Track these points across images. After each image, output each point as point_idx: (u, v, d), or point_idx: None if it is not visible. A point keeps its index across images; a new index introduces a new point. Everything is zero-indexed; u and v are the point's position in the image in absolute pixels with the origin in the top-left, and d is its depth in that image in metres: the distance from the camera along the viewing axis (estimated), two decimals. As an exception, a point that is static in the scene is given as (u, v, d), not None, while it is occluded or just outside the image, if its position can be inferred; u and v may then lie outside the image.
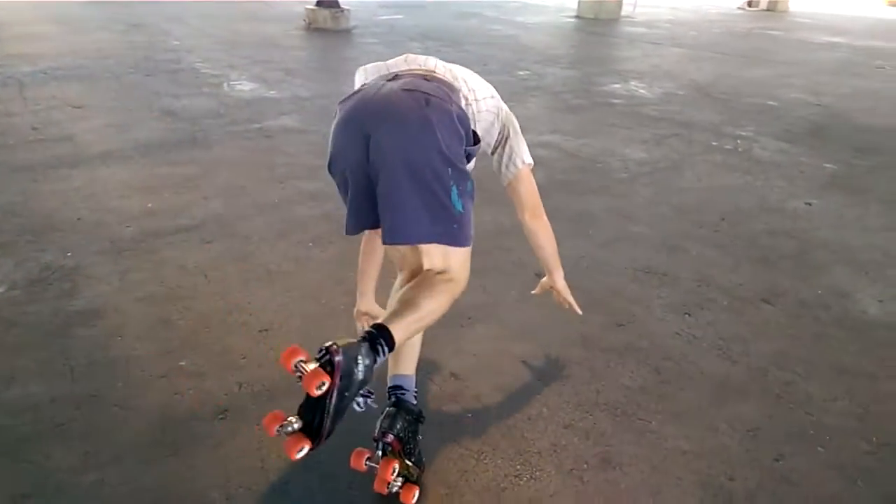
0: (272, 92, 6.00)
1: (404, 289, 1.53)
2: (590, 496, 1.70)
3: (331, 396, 1.27)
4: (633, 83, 6.89)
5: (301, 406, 1.32)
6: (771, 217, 3.54)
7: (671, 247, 3.13)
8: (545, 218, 1.85)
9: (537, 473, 1.76)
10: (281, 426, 1.29)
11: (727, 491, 1.73)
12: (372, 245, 1.86)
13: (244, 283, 2.70)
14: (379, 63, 1.68)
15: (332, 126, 1.53)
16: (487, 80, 1.73)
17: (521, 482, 1.74)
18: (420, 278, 1.53)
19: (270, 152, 4.35)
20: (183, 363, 2.18)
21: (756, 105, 6.06)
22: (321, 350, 1.29)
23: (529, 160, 1.79)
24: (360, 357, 1.33)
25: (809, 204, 3.74)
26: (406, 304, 1.45)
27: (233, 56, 7.67)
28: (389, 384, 1.73)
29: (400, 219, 1.44)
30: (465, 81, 1.64)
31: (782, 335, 2.45)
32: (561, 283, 2.00)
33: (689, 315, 2.55)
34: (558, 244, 1.93)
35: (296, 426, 1.30)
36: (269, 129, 4.85)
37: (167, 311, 2.47)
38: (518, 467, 1.78)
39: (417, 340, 1.77)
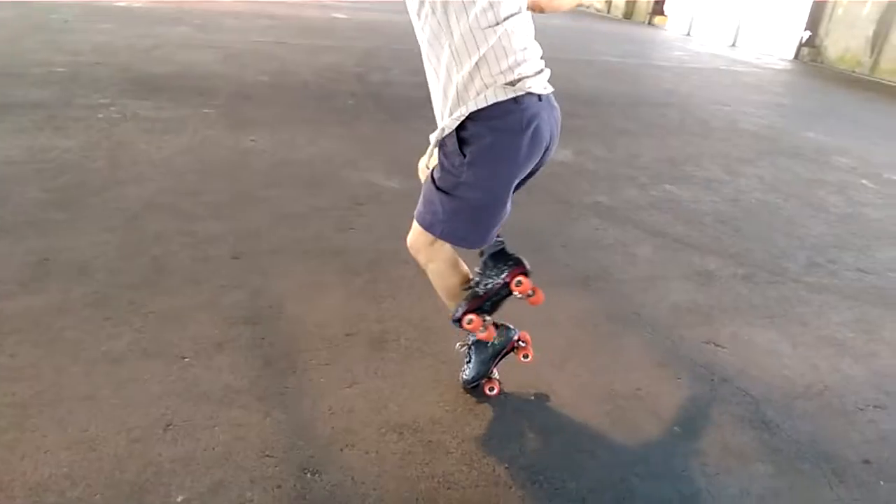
0: None
1: None
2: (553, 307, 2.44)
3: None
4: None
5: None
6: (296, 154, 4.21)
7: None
8: None
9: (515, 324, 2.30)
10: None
11: (583, 274, 2.75)
12: None
13: (58, 418, 1.87)
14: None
15: (529, 129, 1.69)
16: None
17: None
18: None
19: None
20: (180, 499, 1.62)
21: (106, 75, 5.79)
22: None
23: None
24: None
25: (254, 140, 4.39)
26: None
27: None
28: None
29: None
30: None
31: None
32: None
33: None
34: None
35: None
36: None
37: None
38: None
39: None
